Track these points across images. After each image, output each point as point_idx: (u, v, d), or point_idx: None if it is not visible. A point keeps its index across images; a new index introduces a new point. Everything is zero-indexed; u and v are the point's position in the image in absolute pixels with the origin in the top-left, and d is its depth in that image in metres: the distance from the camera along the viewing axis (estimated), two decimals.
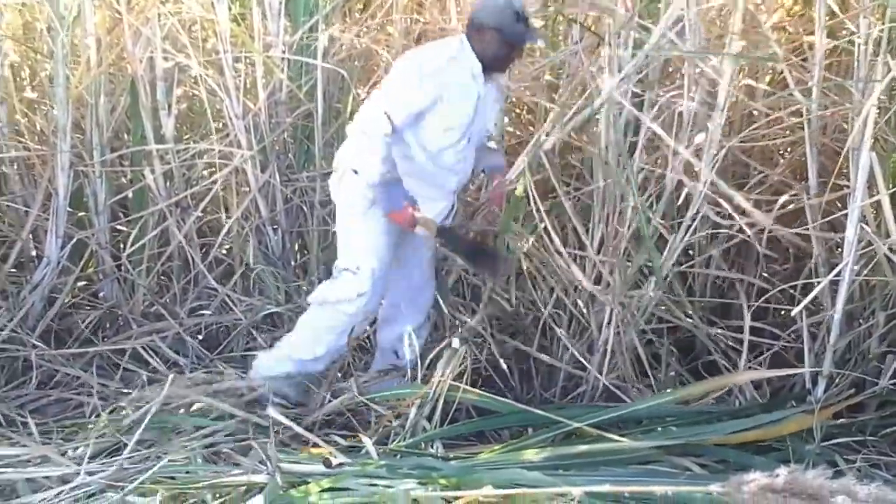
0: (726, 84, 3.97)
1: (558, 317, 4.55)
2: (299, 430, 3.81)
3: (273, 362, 4.24)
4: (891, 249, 3.75)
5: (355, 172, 4.01)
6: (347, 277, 4.14)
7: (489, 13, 3.98)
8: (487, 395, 4.01)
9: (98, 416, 4.08)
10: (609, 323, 4.32)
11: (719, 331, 4.49)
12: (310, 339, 4.23)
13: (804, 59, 4.11)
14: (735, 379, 4.14)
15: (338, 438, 3.87)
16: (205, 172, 5.27)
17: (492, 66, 4.08)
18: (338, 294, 4.16)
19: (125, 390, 4.42)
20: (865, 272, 4.01)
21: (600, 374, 4.32)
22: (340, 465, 3.46)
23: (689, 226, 4.16)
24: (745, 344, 4.20)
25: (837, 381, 4.07)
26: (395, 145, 3.96)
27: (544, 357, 4.50)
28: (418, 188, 4.08)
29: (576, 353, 4.39)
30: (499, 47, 4.01)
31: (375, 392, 4.08)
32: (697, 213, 4.12)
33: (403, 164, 4.02)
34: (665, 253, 4.23)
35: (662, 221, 4.28)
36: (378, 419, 3.94)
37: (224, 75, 4.88)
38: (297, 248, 5.21)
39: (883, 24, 3.65)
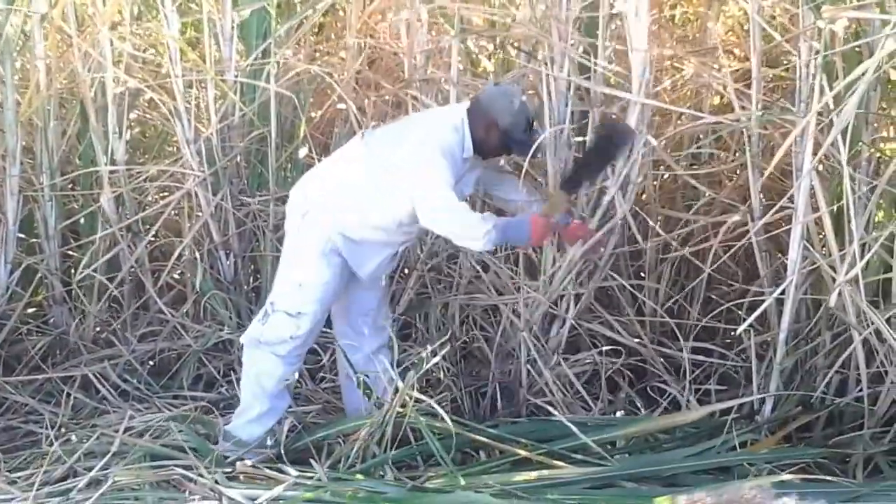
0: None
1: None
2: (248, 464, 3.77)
3: (236, 431, 4.02)
4: (832, 268, 3.79)
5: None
6: (282, 318, 3.95)
7: (502, 112, 3.81)
8: (434, 417, 3.86)
9: (50, 444, 4.00)
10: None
11: (668, 351, 4.52)
12: (250, 394, 4.02)
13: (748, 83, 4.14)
14: (686, 418, 4.12)
15: (290, 469, 3.76)
16: (156, 196, 5.24)
17: (481, 153, 3.94)
18: (270, 335, 3.97)
19: (75, 420, 4.39)
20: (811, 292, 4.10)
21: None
22: None
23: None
24: (687, 363, 4.31)
25: (785, 400, 4.12)
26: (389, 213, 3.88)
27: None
28: (370, 242, 3.97)
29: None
30: (498, 146, 3.90)
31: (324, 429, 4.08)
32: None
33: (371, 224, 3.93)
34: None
35: None
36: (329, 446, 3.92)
37: (176, 99, 4.84)
38: (249, 272, 5.16)
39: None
